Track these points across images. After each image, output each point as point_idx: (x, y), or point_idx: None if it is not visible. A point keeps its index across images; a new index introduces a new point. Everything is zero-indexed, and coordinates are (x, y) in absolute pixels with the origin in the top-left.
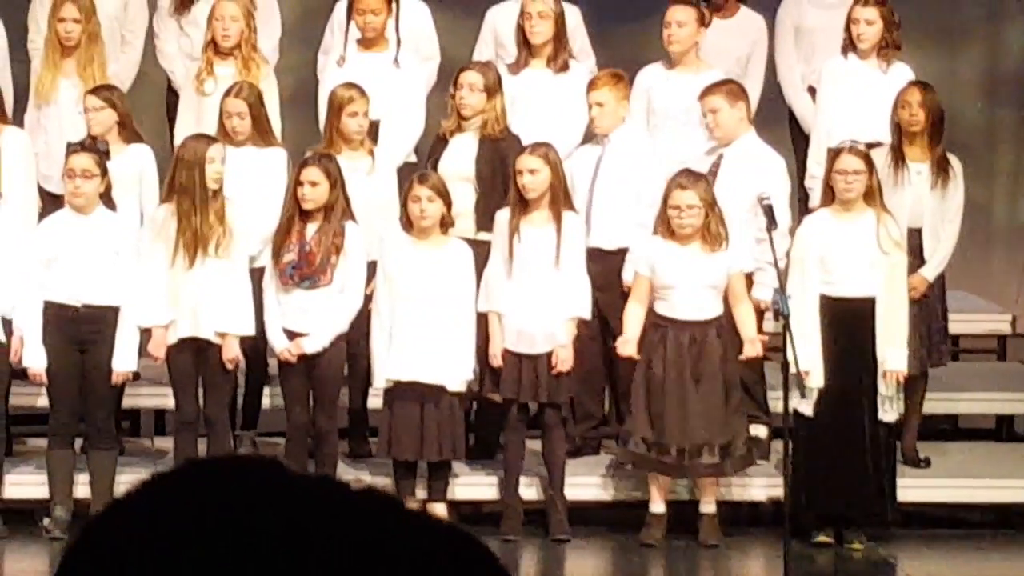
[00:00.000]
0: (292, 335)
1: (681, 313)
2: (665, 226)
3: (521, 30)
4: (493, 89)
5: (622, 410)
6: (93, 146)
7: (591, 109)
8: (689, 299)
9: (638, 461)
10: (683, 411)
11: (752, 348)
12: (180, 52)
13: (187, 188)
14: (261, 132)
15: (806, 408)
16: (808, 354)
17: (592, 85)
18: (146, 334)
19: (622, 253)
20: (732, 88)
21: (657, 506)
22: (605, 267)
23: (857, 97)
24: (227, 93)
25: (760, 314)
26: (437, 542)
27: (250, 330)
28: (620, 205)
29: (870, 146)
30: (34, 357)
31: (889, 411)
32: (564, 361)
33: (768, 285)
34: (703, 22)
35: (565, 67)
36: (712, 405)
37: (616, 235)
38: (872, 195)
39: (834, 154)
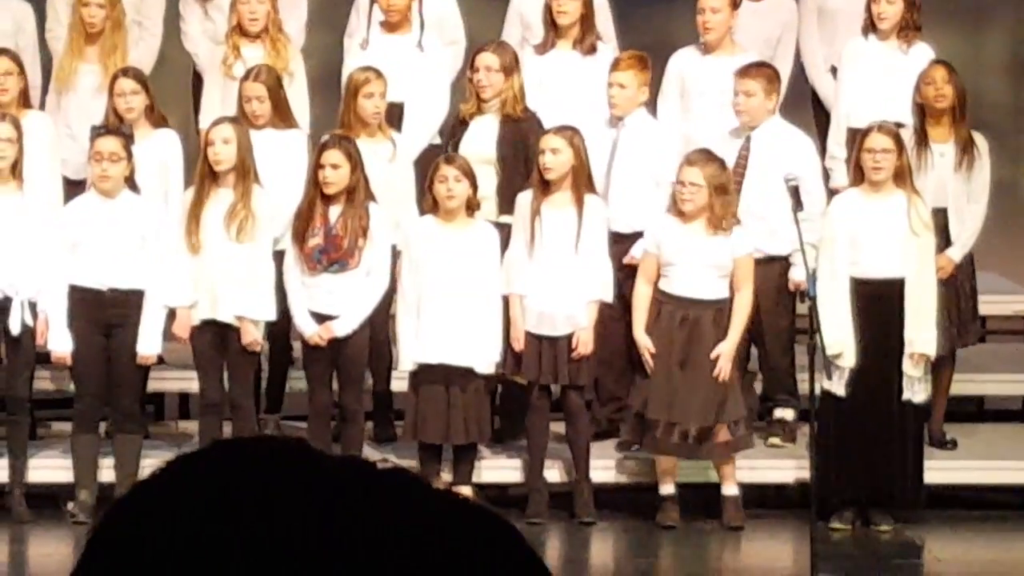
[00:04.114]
0: (320, 318)
1: (678, 289)
2: (674, 203)
3: (549, 10)
4: (510, 69)
5: None
6: (119, 129)
7: (610, 88)
8: (687, 276)
9: (633, 437)
10: (667, 387)
11: (724, 346)
12: (203, 35)
13: (205, 171)
14: (281, 115)
15: (838, 388)
16: (839, 334)
17: (616, 65)
18: (170, 317)
19: (639, 236)
20: (770, 75)
21: (667, 488)
22: (623, 250)
23: (877, 78)
24: (245, 77)
25: (793, 295)
26: (464, 521)
27: (271, 316)
28: (637, 189)
29: None
30: (59, 340)
31: (917, 391)
32: (585, 344)
33: (804, 266)
34: (736, 5)
35: (593, 49)
36: (695, 388)
37: (634, 219)
38: (902, 176)
39: (863, 133)
